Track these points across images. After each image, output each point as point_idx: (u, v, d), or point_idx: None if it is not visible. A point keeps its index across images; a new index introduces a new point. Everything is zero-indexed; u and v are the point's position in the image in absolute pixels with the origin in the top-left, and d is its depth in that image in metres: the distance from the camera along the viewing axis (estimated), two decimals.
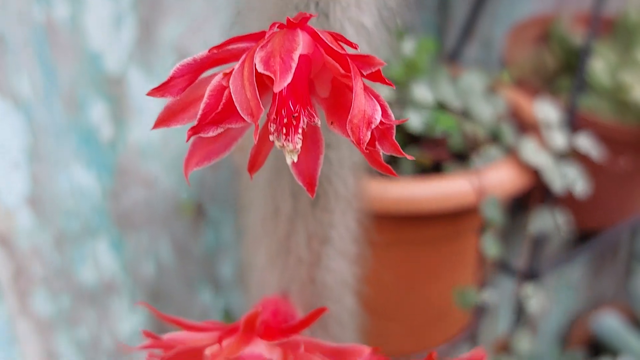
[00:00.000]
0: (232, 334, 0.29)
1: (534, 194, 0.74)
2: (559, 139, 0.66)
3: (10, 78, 0.71)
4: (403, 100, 0.66)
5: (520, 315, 0.78)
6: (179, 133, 0.85)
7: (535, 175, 0.66)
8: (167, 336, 0.36)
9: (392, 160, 0.64)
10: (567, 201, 0.83)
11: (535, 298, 0.70)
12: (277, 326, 0.35)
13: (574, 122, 0.73)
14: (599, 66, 0.85)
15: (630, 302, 1.49)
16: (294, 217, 0.35)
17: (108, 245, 0.85)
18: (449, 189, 0.59)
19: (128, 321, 0.92)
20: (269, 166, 0.36)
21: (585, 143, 0.69)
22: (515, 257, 0.78)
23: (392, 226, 0.59)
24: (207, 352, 0.30)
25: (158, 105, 0.32)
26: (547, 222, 0.71)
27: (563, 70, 0.94)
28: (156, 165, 0.85)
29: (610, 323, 1.44)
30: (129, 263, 0.88)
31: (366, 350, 0.28)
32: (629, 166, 0.81)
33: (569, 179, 0.68)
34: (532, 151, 0.63)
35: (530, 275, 0.75)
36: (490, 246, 0.62)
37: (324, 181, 0.35)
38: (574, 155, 0.71)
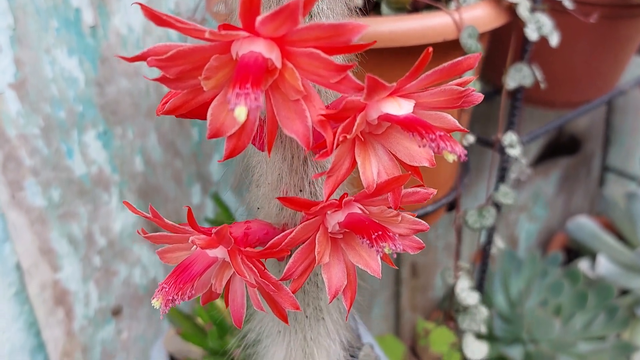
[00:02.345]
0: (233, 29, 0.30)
1: (509, 54, 0.76)
2: None
3: None
4: None
5: (504, 173, 0.81)
6: None
7: (511, 14, 0.68)
8: None
9: (374, 5, 0.66)
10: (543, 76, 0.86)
11: (516, 148, 0.73)
12: None
13: None
14: None
15: (603, 208, 1.54)
16: None
17: (95, 136, 0.86)
18: (430, 22, 0.61)
19: (119, 219, 0.93)
20: None
21: None
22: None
23: (376, 60, 0.61)
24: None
25: None
26: (525, 74, 0.73)
27: None
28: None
29: (585, 226, 1.49)
30: (117, 157, 0.89)
31: (363, 26, 0.29)
32: (598, 30, 0.84)
33: (544, 29, 0.70)
34: None
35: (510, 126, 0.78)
36: (474, 84, 0.65)
37: None
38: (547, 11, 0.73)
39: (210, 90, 0.32)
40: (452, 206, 0.89)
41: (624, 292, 1.41)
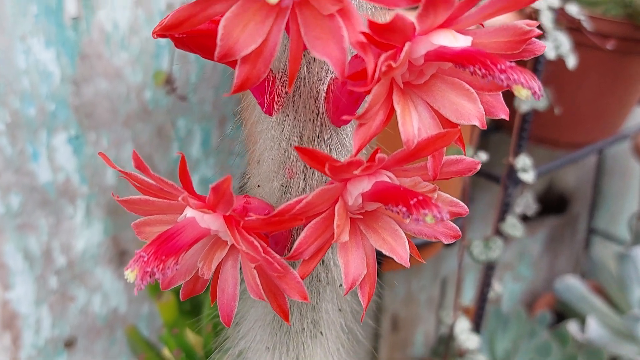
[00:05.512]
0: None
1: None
2: None
3: None
4: None
5: (507, 208, 0.75)
6: (148, 23, 0.80)
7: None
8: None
9: None
10: (547, 118, 0.82)
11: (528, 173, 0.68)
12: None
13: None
14: None
15: (590, 271, 1.49)
16: None
17: (65, 140, 0.78)
18: None
19: (82, 237, 0.84)
20: None
21: (575, 10, 0.68)
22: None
23: None
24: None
25: None
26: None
27: None
28: (122, 56, 0.79)
29: (574, 287, 1.43)
30: (88, 166, 0.81)
31: None
32: (607, 65, 0.81)
33: (562, 49, 0.66)
34: None
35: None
36: None
37: None
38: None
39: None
40: None
41: (613, 358, 1.34)
